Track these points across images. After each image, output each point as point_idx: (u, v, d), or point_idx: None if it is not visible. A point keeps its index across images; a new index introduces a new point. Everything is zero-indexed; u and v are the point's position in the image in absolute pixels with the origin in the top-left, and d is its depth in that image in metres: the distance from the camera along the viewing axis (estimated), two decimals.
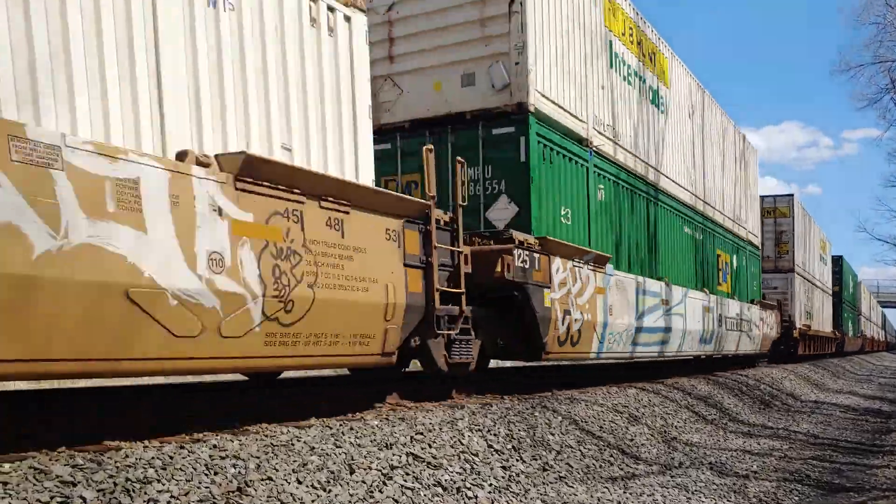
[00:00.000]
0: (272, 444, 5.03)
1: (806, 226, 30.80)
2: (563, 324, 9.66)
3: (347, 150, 6.85)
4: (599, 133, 11.66)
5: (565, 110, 10.60)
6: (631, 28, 13.21)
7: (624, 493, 7.01)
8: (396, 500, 5.07)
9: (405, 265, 6.94)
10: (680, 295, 14.49)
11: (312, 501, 4.52)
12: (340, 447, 5.35)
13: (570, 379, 12.21)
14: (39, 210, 3.90)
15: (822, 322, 34.53)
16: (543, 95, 9.95)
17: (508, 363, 14.53)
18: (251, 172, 5.23)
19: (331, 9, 6.68)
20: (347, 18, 6.88)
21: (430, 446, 6.10)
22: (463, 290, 7.81)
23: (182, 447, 4.61)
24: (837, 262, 41.52)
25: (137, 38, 4.90)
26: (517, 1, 9.55)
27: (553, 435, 7.89)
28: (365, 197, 6.41)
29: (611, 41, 12.29)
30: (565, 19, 10.69)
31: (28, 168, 3.86)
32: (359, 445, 5.51)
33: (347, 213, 6.16)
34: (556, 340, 9.55)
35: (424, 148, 7.67)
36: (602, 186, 11.83)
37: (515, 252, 8.50)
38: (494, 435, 7.03)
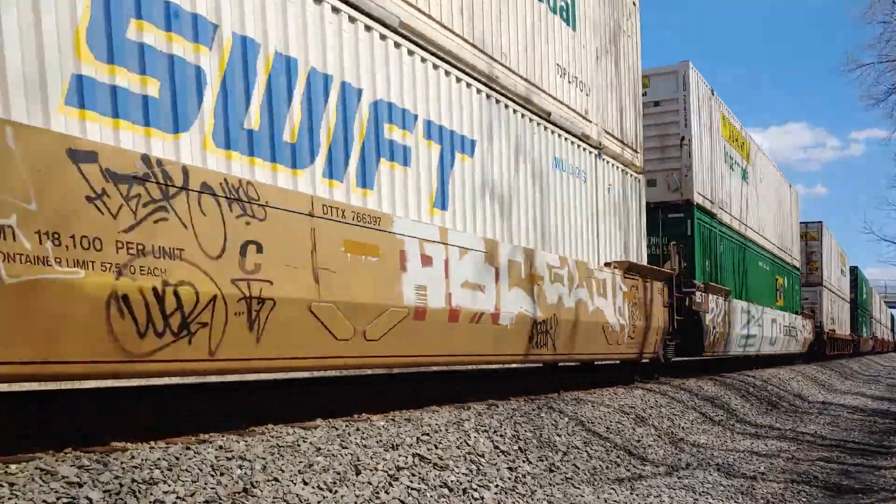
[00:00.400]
0: (278, 444, 5.02)
1: (831, 246, 36.79)
2: (712, 334, 15.58)
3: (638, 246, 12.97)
4: (722, 210, 17.84)
5: (708, 199, 16.66)
6: (731, 131, 19.15)
7: (631, 494, 6.98)
8: (402, 501, 5.06)
9: (663, 306, 13.19)
10: (759, 311, 20.63)
11: (318, 502, 4.51)
12: (346, 448, 5.34)
13: (580, 380, 12.19)
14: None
15: (842, 326, 40.18)
16: (700, 193, 16.02)
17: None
18: (629, 269, 11.61)
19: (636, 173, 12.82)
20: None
21: (437, 447, 6.09)
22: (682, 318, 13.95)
23: (188, 448, 4.61)
24: (854, 272, 47.76)
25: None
26: (686, 139, 15.62)
27: (559, 436, 7.87)
28: (656, 273, 12.94)
29: (724, 145, 18.35)
30: (707, 144, 16.84)
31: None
32: (365, 446, 5.51)
33: (650, 282, 12.53)
34: (710, 344, 15.38)
35: (672, 244, 14.40)
36: (722, 244, 17.70)
37: (697, 293, 14.50)
38: (501, 436, 7.01)
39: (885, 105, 21.52)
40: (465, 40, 8.07)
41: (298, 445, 5.12)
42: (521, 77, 9.19)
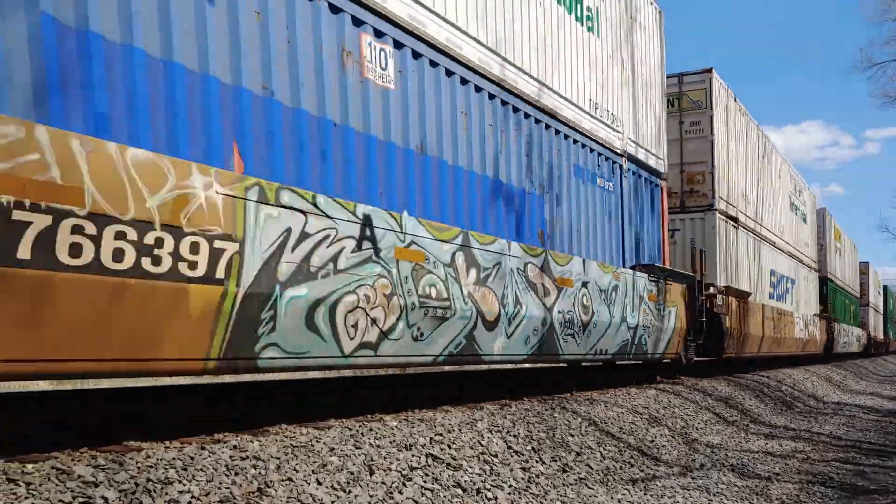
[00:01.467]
0: (292, 444, 5.04)
1: (874, 278, 50.31)
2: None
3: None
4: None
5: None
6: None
7: (644, 494, 6.96)
8: (416, 502, 5.07)
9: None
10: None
11: (332, 502, 4.52)
12: (360, 448, 5.35)
13: (592, 380, 12.17)
14: None
15: (878, 332, 53.48)
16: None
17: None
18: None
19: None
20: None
21: (450, 447, 6.09)
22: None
23: (203, 448, 4.63)
24: (885, 290, 61.68)
25: None
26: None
27: (573, 436, 7.85)
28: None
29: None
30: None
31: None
32: (378, 446, 5.51)
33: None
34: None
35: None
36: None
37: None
38: (514, 436, 7.01)
39: None
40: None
41: (312, 445, 5.13)
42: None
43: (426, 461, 5.67)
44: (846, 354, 35.41)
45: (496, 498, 5.74)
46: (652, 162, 12.82)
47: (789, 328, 22.48)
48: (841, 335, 32.37)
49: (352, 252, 5.93)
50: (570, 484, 6.77)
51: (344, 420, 6.28)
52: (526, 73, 8.98)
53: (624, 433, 8.87)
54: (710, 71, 16.53)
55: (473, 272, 7.48)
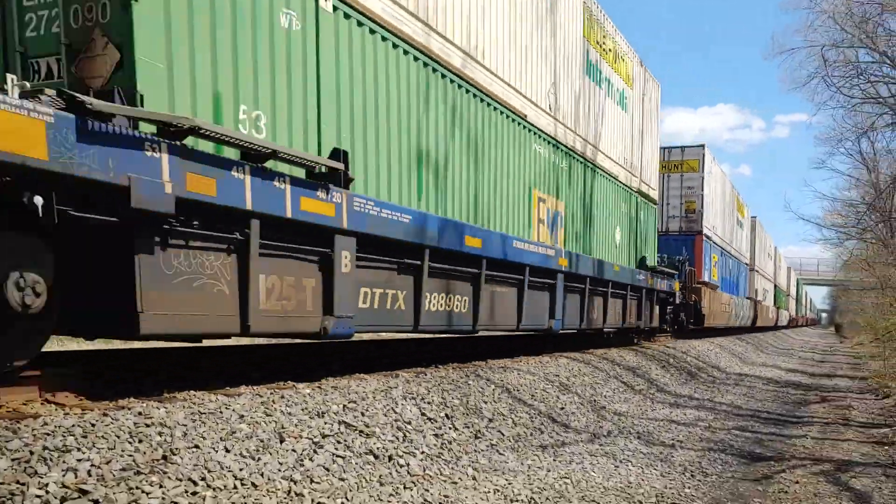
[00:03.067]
0: (199, 411, 4.91)
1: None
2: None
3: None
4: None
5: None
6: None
7: (554, 460, 7.10)
8: (327, 469, 5.03)
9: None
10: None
11: (241, 470, 4.43)
12: (271, 415, 5.26)
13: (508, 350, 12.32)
14: None
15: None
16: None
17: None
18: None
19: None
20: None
21: (363, 415, 6.06)
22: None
23: (105, 415, 4.46)
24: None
25: None
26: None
27: (486, 403, 7.94)
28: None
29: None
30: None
31: None
32: (290, 414, 5.44)
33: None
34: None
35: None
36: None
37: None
38: (428, 403, 7.03)
39: (807, 89, 22.14)
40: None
41: (221, 413, 5.02)
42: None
43: (339, 428, 5.62)
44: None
45: (408, 464, 5.75)
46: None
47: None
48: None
49: None
50: (482, 450, 6.85)
51: (255, 387, 6.17)
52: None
53: (535, 400, 9.02)
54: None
55: None
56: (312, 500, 4.56)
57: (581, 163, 13.69)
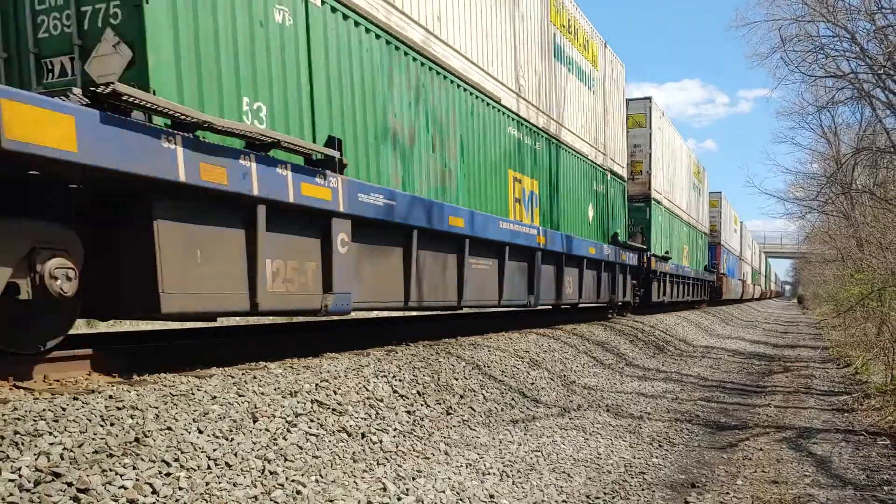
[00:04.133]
0: (171, 393, 4.91)
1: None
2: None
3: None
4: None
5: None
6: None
7: (525, 434, 7.21)
8: (301, 447, 5.07)
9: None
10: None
11: (214, 450, 4.45)
12: (243, 396, 5.28)
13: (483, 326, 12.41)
14: None
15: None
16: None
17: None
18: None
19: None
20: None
21: (336, 393, 6.10)
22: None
23: (76, 398, 4.45)
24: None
25: None
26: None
27: (457, 380, 8.02)
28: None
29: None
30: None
31: None
32: (262, 394, 5.46)
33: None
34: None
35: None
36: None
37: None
38: (399, 381, 7.08)
39: (768, 63, 22.41)
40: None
41: (193, 394, 5.02)
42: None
43: (311, 407, 5.66)
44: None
45: (381, 441, 5.81)
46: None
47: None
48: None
49: None
50: (454, 426, 6.93)
51: (226, 368, 6.18)
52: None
53: (506, 376, 9.13)
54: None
55: None
56: (287, 479, 4.61)
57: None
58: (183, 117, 5.20)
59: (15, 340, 5.14)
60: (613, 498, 5.53)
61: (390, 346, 8.64)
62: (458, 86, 9.97)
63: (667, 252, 24.35)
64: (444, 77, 9.58)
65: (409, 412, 6.62)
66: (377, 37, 8.06)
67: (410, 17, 8.70)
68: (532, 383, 9.48)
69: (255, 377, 5.75)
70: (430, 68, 9.21)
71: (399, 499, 4.82)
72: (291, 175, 6.38)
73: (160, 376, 5.54)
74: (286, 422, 5.26)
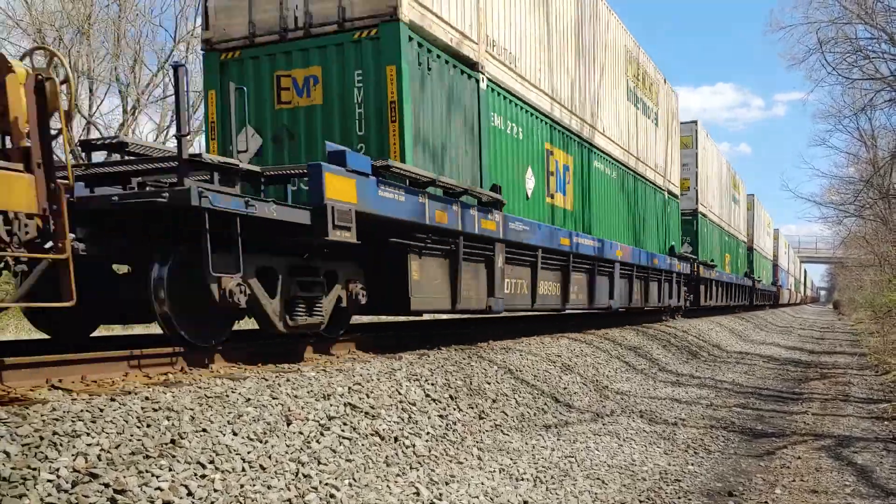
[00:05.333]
0: (206, 395, 4.93)
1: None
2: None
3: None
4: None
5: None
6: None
7: (557, 440, 7.15)
8: (334, 451, 5.06)
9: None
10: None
11: (248, 453, 4.46)
12: (277, 398, 5.29)
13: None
14: None
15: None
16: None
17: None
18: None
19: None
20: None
21: (368, 396, 6.09)
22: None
23: (113, 399, 4.48)
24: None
25: None
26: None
27: (489, 384, 7.97)
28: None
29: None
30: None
31: None
32: (296, 397, 5.46)
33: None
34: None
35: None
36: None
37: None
38: (432, 384, 7.06)
39: (804, 66, 22.12)
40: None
41: (227, 396, 5.04)
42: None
43: (344, 410, 5.65)
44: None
45: (414, 445, 5.79)
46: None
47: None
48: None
49: None
50: (487, 430, 6.89)
51: (260, 370, 6.20)
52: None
53: (538, 381, 9.07)
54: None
55: None
56: (320, 482, 4.60)
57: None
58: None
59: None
60: None
61: (422, 350, 8.62)
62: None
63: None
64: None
65: (441, 416, 6.59)
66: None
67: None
68: (564, 388, 9.40)
69: (288, 379, 5.76)
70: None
71: (432, 503, 4.79)
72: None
73: (195, 377, 5.58)
74: (319, 425, 5.26)
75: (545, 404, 8.43)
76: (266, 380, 5.67)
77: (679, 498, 5.70)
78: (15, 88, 4.63)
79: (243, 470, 4.30)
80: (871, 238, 26.65)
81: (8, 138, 4.79)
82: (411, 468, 5.42)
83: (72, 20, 22.84)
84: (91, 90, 24.25)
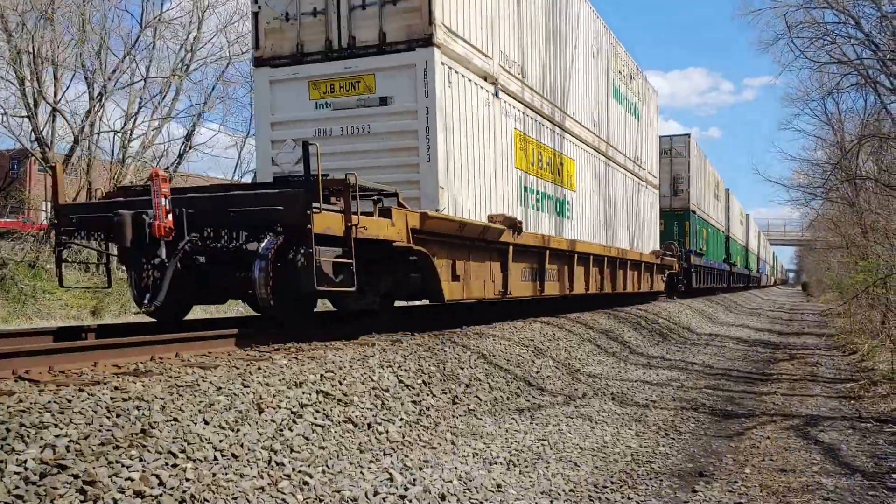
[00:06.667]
0: (177, 384, 4.89)
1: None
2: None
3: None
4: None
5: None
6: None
7: (531, 423, 7.19)
8: (307, 438, 5.05)
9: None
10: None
11: (220, 441, 4.43)
12: (248, 387, 5.26)
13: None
14: None
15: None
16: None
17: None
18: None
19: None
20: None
21: (341, 384, 6.07)
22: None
23: (81, 390, 4.43)
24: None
25: None
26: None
27: (462, 369, 7.99)
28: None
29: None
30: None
31: None
32: (267, 385, 5.43)
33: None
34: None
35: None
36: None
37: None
38: (405, 370, 7.06)
39: (773, 49, 22.29)
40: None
41: (198, 385, 5.00)
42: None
43: (317, 398, 5.64)
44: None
45: (387, 431, 5.79)
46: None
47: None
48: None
49: None
50: (460, 415, 6.91)
51: (231, 359, 6.16)
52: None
53: (511, 365, 9.11)
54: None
55: None
56: (293, 469, 4.59)
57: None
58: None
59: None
60: (621, 487, 5.51)
61: (395, 336, 8.62)
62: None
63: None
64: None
65: (414, 402, 6.60)
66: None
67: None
68: (537, 372, 9.46)
69: (259, 367, 5.73)
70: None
71: (406, 489, 4.80)
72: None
73: (165, 366, 5.53)
74: (292, 412, 5.24)
75: (518, 388, 8.48)
76: (237, 368, 5.64)
77: (650, 479, 5.77)
78: None
79: (215, 459, 4.28)
80: (839, 220, 27.01)
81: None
82: (385, 454, 5.42)
83: (35, 5, 22.33)
84: (56, 77, 23.76)
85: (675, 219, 29.08)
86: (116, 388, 4.60)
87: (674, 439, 7.14)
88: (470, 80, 10.04)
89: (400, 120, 9.21)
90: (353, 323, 8.97)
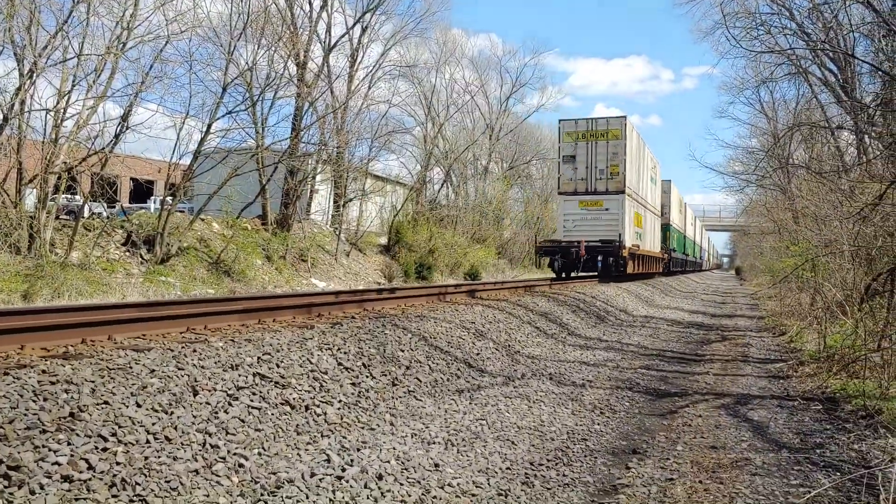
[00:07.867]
0: (108, 367, 4.79)
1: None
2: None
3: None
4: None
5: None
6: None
7: (470, 404, 7.25)
8: (243, 421, 5.00)
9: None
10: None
11: (153, 424, 4.36)
12: (183, 369, 5.18)
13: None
14: None
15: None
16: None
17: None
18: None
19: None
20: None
21: (279, 366, 6.03)
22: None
23: (6, 374, 4.30)
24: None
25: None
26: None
27: (403, 351, 8.00)
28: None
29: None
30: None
31: None
32: (202, 367, 5.36)
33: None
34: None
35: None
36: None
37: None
38: (345, 353, 7.04)
39: (711, 39, 22.77)
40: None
41: (131, 368, 4.90)
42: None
43: (254, 381, 5.58)
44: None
45: (325, 413, 5.77)
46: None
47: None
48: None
49: None
50: (400, 397, 6.92)
51: (165, 341, 6.05)
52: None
53: (452, 347, 9.15)
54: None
55: None
56: (228, 451, 4.54)
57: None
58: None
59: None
60: (557, 464, 5.60)
61: (335, 319, 8.58)
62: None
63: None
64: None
65: (354, 384, 6.58)
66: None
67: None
68: (478, 354, 9.52)
69: (195, 350, 5.65)
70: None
71: (343, 469, 4.79)
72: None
73: (96, 349, 5.40)
74: (228, 395, 5.18)
75: (458, 370, 8.53)
76: (171, 350, 5.54)
77: (585, 456, 5.87)
78: None
79: (148, 442, 4.20)
80: (771, 206, 27.82)
81: None
82: (322, 436, 5.40)
83: None
84: None
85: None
86: (44, 371, 4.48)
87: (609, 418, 7.28)
88: (630, 198, 24.19)
89: (612, 215, 24.60)
90: None
